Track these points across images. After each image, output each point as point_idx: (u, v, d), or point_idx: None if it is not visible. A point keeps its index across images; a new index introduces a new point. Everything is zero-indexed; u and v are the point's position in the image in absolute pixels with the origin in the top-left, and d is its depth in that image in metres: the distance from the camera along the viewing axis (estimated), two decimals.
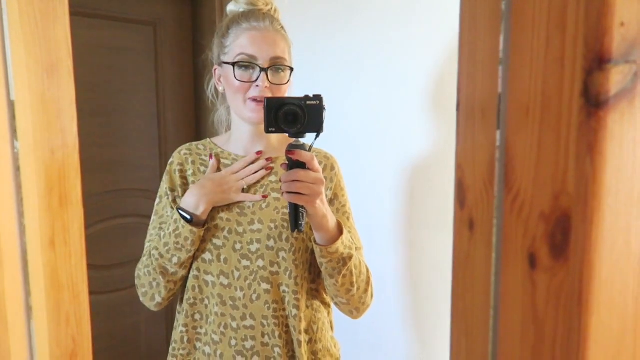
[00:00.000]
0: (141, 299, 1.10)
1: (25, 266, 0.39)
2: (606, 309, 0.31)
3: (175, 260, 1.02)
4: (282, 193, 0.90)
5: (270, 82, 1.01)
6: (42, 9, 0.42)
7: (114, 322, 2.15)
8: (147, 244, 1.09)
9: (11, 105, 0.39)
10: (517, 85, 0.38)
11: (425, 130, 1.70)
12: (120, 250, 2.14)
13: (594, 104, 0.29)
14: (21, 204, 0.39)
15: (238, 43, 1.03)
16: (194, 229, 0.99)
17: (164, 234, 1.03)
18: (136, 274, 1.10)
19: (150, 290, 1.07)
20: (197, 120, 2.32)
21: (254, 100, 1.01)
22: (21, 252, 0.39)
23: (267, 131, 0.90)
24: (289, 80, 1.05)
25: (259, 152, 1.09)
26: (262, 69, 1.00)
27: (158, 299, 1.07)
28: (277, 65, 1.02)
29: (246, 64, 1.01)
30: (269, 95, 1.01)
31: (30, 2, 0.41)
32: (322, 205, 0.92)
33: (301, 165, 0.89)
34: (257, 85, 1.01)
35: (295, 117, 0.89)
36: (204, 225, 1.02)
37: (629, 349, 0.31)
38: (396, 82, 1.74)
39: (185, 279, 1.08)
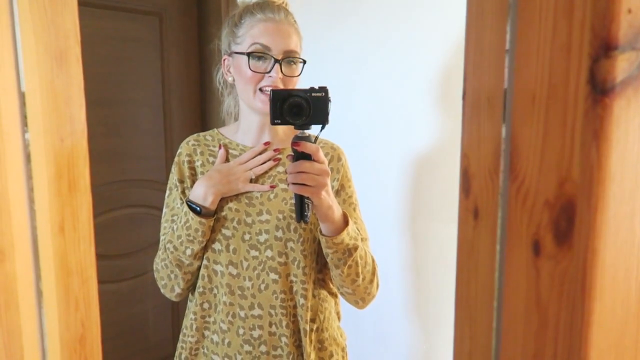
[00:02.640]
0: (162, 290, 1.12)
1: (36, 251, 0.40)
2: (609, 295, 0.31)
3: (188, 252, 1.03)
4: (288, 184, 0.90)
5: (283, 74, 1.02)
6: None
7: (122, 311, 2.17)
8: (161, 237, 1.10)
9: (22, 94, 0.40)
10: (523, 73, 0.38)
11: (431, 122, 1.69)
12: (126, 240, 2.15)
13: (600, 91, 0.29)
14: (32, 190, 0.40)
15: (252, 33, 1.03)
16: (203, 220, 1.00)
17: (177, 226, 1.04)
18: (154, 267, 1.12)
19: (169, 282, 1.09)
20: (202, 110, 2.32)
21: (262, 90, 1.02)
22: (32, 237, 0.39)
23: (273, 123, 0.91)
24: (300, 73, 1.06)
25: (266, 143, 1.09)
26: (275, 60, 1.01)
27: (177, 290, 1.09)
28: (290, 58, 1.03)
29: (260, 54, 1.01)
30: (281, 86, 1.01)
31: None
32: (328, 197, 0.93)
33: (307, 156, 0.89)
34: (271, 76, 1.01)
35: (301, 109, 0.90)
36: (214, 216, 1.03)
37: (632, 335, 0.32)
38: (402, 73, 1.73)
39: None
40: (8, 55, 0.41)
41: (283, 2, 1.09)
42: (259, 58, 1.02)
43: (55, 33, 0.44)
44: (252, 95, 1.03)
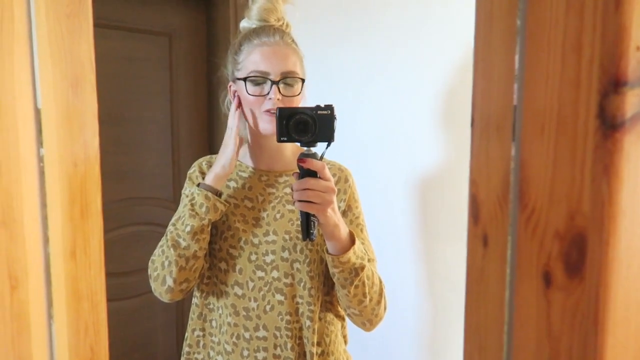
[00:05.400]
0: (152, 286, 1.04)
1: (48, 276, 0.40)
2: (622, 329, 0.31)
3: (188, 229, 0.98)
4: (294, 202, 0.90)
5: (282, 95, 1.02)
6: (68, 27, 0.43)
7: (128, 329, 2.17)
8: None
9: (38, 120, 0.40)
10: (532, 104, 0.38)
11: (437, 141, 1.70)
12: (133, 257, 2.16)
13: (609, 126, 0.30)
14: (45, 216, 0.40)
15: (250, 59, 1.04)
16: (209, 194, 0.99)
17: (181, 207, 1.04)
18: (150, 261, 1.05)
19: (162, 271, 1.01)
20: (210, 129, 2.34)
21: (268, 112, 1.02)
22: (44, 262, 0.40)
23: (279, 140, 0.92)
24: (300, 92, 1.06)
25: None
26: (273, 82, 1.02)
27: (169, 281, 1.00)
28: (288, 78, 1.04)
29: (257, 77, 1.03)
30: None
31: (57, 20, 0.42)
32: (334, 214, 0.93)
33: (312, 174, 0.90)
34: (270, 98, 1.02)
35: (306, 126, 0.91)
36: (219, 195, 1.03)
37: None
38: (408, 93, 1.74)
39: (198, 282, 1.07)
40: (26, 82, 0.42)
41: (282, 24, 1.10)
42: (258, 83, 1.03)
43: (71, 61, 0.45)
44: (255, 118, 1.05)
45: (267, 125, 1.03)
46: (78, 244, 0.44)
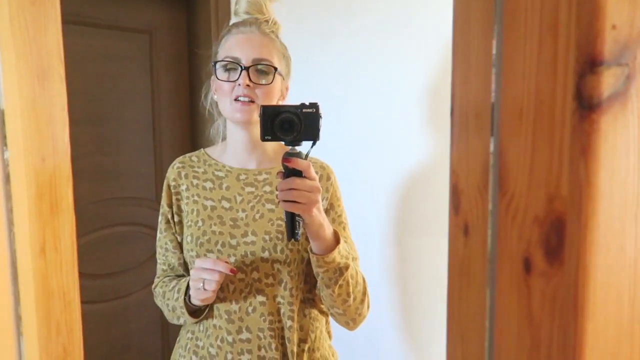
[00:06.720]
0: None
1: (15, 274, 0.38)
2: (601, 313, 0.30)
3: (175, 321, 1.08)
4: (279, 202, 0.89)
5: (252, 82, 1.01)
6: (33, 15, 0.42)
7: (108, 332, 2.13)
8: (158, 263, 1.13)
9: (1, 112, 0.39)
10: (510, 89, 0.37)
11: (421, 137, 1.70)
12: (115, 258, 2.12)
13: (586, 106, 0.29)
14: (11, 211, 0.39)
15: (225, 46, 1.05)
16: (187, 314, 1.04)
17: (170, 295, 1.07)
18: (154, 293, 1.14)
19: (167, 315, 1.11)
20: (192, 127, 2.32)
21: (237, 100, 1.01)
22: (10, 260, 0.38)
23: (263, 139, 0.89)
24: (272, 82, 1.03)
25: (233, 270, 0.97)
26: (243, 68, 1.01)
27: (178, 323, 1.12)
28: (259, 64, 1.02)
29: (228, 62, 1.02)
30: (254, 95, 1.01)
31: (21, 8, 0.41)
32: (319, 214, 0.91)
33: (297, 173, 0.88)
34: (239, 84, 1.01)
35: (292, 125, 0.88)
36: (200, 311, 1.05)
37: (625, 354, 0.31)
38: (392, 90, 1.74)
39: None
40: None
41: (268, 20, 1.09)
42: (229, 68, 1.03)
43: (37, 52, 0.43)
44: (228, 107, 1.03)
45: (238, 114, 1.02)
46: (48, 240, 0.43)
